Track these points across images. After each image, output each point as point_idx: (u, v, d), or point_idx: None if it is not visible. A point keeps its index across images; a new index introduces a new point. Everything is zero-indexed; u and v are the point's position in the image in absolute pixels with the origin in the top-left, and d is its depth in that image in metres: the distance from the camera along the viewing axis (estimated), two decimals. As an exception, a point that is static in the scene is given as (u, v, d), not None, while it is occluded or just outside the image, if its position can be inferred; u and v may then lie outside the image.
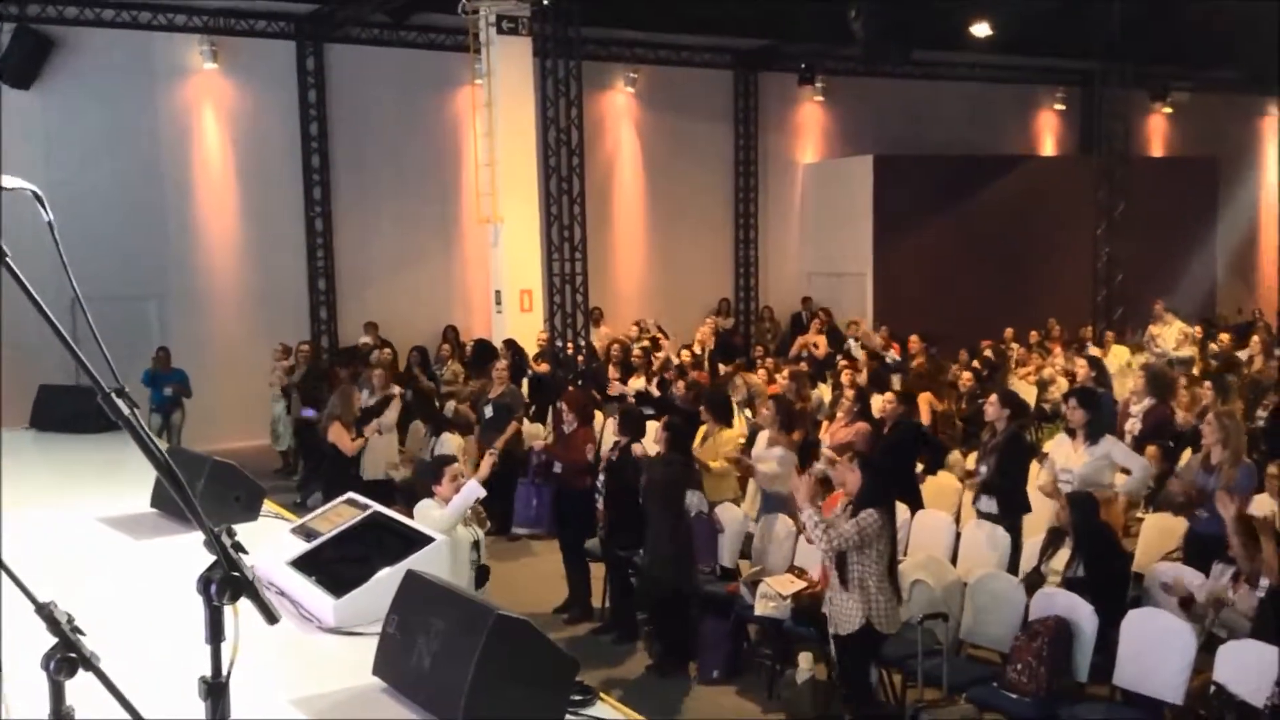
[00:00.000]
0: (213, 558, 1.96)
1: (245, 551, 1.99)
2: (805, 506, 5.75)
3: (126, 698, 1.93)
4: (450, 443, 10.62)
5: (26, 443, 8.32)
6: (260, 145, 15.75)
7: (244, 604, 1.98)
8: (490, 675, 3.30)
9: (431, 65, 16.50)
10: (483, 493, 5.70)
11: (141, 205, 14.94)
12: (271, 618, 1.99)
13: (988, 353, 13.36)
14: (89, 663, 1.88)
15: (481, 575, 6.11)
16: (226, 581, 1.93)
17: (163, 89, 15.14)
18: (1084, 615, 5.63)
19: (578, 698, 3.53)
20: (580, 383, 12.87)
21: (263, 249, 15.85)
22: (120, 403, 1.86)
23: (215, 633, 1.96)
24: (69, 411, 8.72)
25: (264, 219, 15.83)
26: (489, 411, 10.70)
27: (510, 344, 13.56)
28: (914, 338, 13.76)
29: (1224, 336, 14.38)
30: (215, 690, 1.97)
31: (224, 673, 1.99)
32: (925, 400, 9.77)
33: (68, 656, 1.90)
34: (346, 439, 9.12)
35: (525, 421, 11.30)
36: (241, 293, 15.80)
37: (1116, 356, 13.83)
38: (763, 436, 8.51)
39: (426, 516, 5.54)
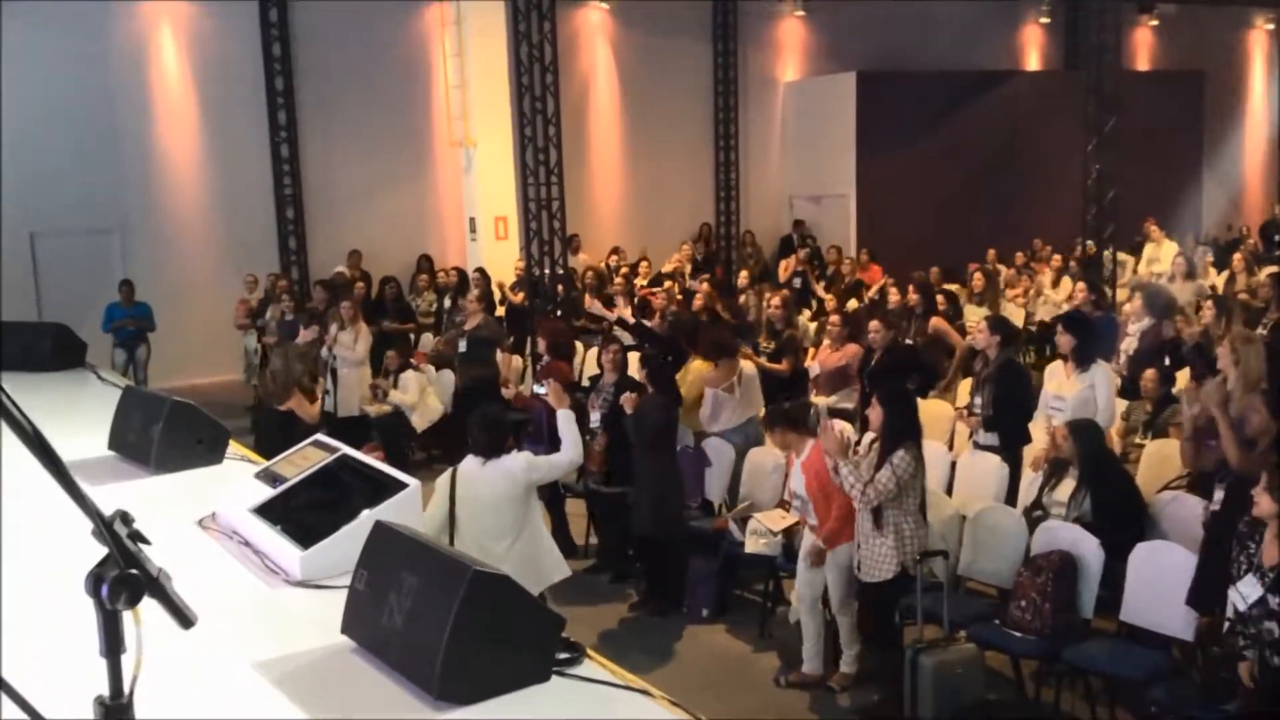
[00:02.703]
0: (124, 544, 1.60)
1: (147, 541, 1.64)
2: (839, 462, 5.44)
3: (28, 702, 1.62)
4: (411, 382, 10.25)
5: (-22, 382, 7.93)
6: (221, 68, 15.15)
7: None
8: (467, 636, 3.04)
9: (397, -19, 15.89)
10: (573, 416, 5.66)
11: (99, 133, 14.38)
12: (185, 621, 1.65)
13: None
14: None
15: None
16: (123, 581, 1.58)
17: (118, 9, 14.47)
18: (1089, 549, 5.41)
19: (564, 656, 3.26)
20: (559, 312, 12.51)
21: (227, 177, 15.32)
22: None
23: (112, 643, 1.61)
24: (25, 348, 8.37)
25: (228, 145, 15.28)
26: (463, 345, 10.34)
27: (480, 272, 13.21)
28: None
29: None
30: (114, 713, 1.63)
31: (125, 692, 1.65)
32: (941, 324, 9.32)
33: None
34: (308, 405, 7.70)
35: (502, 353, 10.95)
36: (207, 222, 15.30)
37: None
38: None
39: (535, 466, 5.38)
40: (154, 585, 1.59)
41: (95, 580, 1.60)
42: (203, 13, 14.99)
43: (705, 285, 11.24)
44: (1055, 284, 13.62)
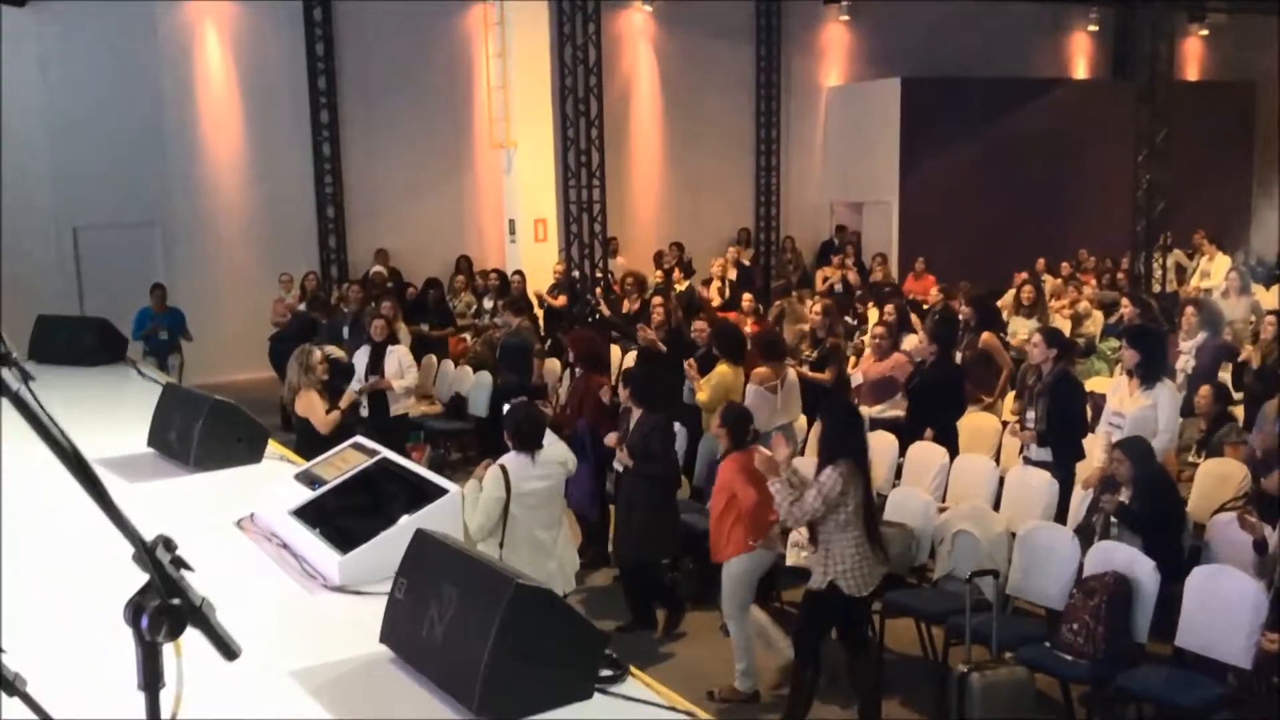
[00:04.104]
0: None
1: (189, 568, 1.54)
2: (773, 481, 5.31)
3: None
4: (406, 357, 9.75)
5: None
6: (264, 66, 15.20)
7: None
8: (510, 651, 2.95)
9: (441, -19, 15.89)
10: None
11: (142, 129, 14.46)
12: (229, 653, 1.55)
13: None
14: (11, 686, 1.48)
15: None
16: (164, 612, 1.48)
17: (162, 7, 14.55)
18: (1145, 572, 5.23)
19: (607, 673, 3.17)
20: (591, 319, 12.40)
21: (269, 174, 15.37)
22: (8, 374, 1.40)
23: (151, 677, 1.51)
24: (67, 343, 8.41)
25: (269, 143, 15.33)
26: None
27: (520, 275, 13.17)
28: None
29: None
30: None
31: (163, 728, 1.54)
32: (992, 341, 9.04)
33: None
34: (320, 411, 7.41)
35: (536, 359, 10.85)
36: (247, 219, 15.35)
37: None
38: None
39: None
40: (197, 615, 1.49)
41: (135, 610, 1.50)
42: (247, 12, 15.05)
43: (659, 299, 11.05)
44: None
